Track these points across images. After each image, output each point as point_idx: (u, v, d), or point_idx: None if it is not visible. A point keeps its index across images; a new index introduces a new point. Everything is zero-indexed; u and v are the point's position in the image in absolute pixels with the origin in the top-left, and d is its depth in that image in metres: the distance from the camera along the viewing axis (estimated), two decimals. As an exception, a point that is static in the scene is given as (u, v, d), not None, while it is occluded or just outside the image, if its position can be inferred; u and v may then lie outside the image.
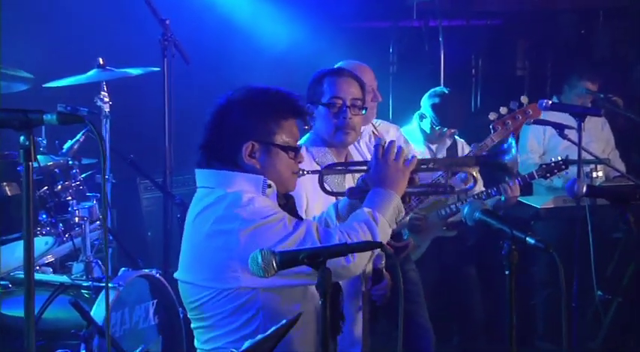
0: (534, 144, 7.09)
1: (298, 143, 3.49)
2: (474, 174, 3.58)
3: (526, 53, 9.87)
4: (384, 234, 3.29)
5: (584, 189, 4.00)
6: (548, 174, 5.67)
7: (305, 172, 3.52)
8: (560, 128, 5.44)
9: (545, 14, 9.29)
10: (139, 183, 6.96)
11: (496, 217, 3.10)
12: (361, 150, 4.87)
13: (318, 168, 4.12)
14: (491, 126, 5.26)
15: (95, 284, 4.66)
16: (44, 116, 2.59)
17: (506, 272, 2.98)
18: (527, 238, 2.95)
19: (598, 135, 7.09)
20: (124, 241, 5.82)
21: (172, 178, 5.86)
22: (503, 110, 5.20)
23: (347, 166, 4.00)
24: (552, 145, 6.99)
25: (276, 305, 3.24)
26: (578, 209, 5.41)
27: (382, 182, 3.41)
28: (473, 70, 9.54)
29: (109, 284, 4.60)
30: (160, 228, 6.08)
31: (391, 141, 3.51)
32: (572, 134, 5.33)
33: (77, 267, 4.78)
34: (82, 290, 4.67)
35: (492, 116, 5.21)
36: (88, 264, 4.79)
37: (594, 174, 6.55)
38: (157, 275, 4.94)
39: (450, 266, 6.35)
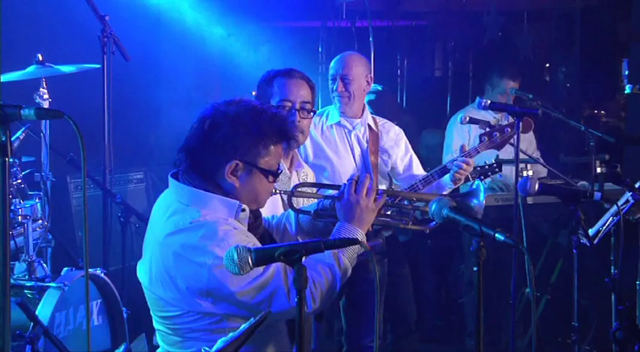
0: (459, 143, 7.14)
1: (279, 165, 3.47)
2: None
3: (450, 54, 10.01)
4: (345, 274, 3.36)
5: (537, 187, 4.07)
6: (482, 176, 5.75)
7: (278, 191, 3.58)
8: (490, 127, 5.52)
9: (470, 16, 9.43)
10: (69, 181, 6.83)
11: (464, 214, 3.13)
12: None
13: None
14: (478, 136, 5.34)
15: (39, 284, 4.58)
16: (22, 111, 2.53)
17: (474, 269, 3.00)
18: (497, 234, 2.98)
19: (522, 136, 7.20)
20: (61, 240, 5.73)
21: (111, 176, 5.77)
22: (493, 121, 5.26)
23: (318, 188, 3.97)
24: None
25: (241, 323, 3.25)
26: (513, 208, 5.50)
27: (351, 218, 3.49)
28: (398, 70, 9.64)
29: (53, 284, 4.54)
30: (95, 227, 5.98)
31: (364, 177, 3.57)
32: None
33: (19, 267, 4.67)
34: (26, 291, 4.58)
35: (481, 127, 5.28)
36: (31, 263, 4.69)
37: (524, 174, 6.66)
38: (102, 275, 4.86)
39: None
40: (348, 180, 3.59)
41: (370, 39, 7.85)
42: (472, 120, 5.65)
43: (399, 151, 5.64)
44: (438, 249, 7.62)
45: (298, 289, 2.79)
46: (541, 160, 6.91)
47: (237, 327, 3.08)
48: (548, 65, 9.67)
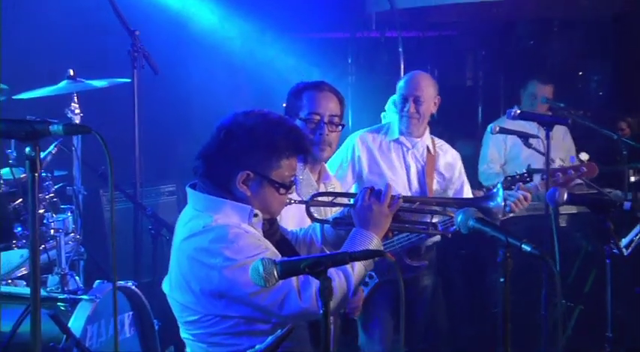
0: (495, 153, 7.17)
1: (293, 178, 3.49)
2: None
3: (480, 64, 9.98)
4: (358, 279, 3.38)
5: (565, 196, 4.05)
6: (513, 186, 5.74)
7: (292, 201, 3.60)
8: (525, 137, 5.51)
9: (501, 24, 9.39)
10: (101, 195, 6.91)
11: (490, 225, 3.13)
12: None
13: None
14: (540, 175, 5.34)
15: (71, 296, 4.61)
16: (50, 127, 2.58)
17: (501, 280, 3.00)
18: (523, 245, 2.98)
19: (560, 144, 7.19)
20: (94, 253, 5.78)
21: (142, 190, 5.82)
22: (557, 162, 5.25)
23: (333, 198, 4.00)
24: (514, 155, 7.09)
25: (260, 326, 3.30)
26: (544, 217, 5.49)
27: (365, 224, 3.51)
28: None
29: (85, 297, 4.57)
30: (126, 240, 6.03)
31: (383, 186, 3.59)
32: (535, 143, 5.40)
33: (52, 280, 4.71)
34: (58, 303, 4.61)
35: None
36: (63, 276, 4.73)
37: (558, 183, 6.62)
38: (133, 287, 4.90)
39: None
40: (362, 188, 3.61)
41: (400, 49, 7.86)
42: (502, 131, 5.64)
43: (453, 175, 5.65)
44: (472, 258, 7.59)
45: (324, 301, 2.80)
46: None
47: (255, 331, 3.23)
48: (580, 73, 9.62)
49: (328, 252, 3.44)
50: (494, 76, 9.74)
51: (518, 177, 5.59)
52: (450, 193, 5.65)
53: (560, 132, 7.20)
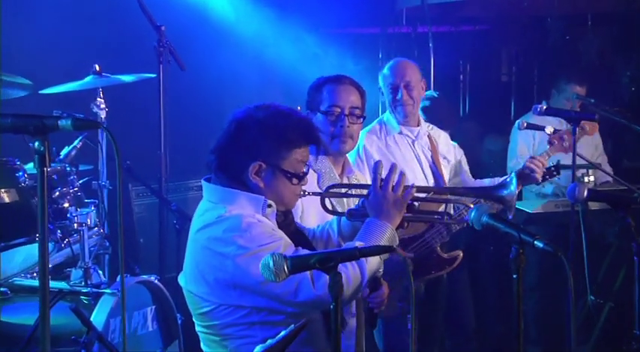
0: (524, 148, 7.10)
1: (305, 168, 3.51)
2: (470, 205, 3.64)
3: (513, 58, 9.90)
4: (372, 270, 3.37)
5: (586, 193, 4.01)
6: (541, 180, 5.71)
7: (307, 193, 3.59)
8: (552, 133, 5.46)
9: (533, 20, 9.31)
10: (130, 189, 6.96)
11: (504, 221, 3.11)
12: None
13: (316, 175, 4.21)
14: (547, 141, 5.29)
15: (94, 290, 4.65)
16: (59, 122, 2.60)
17: (514, 276, 2.98)
18: (536, 241, 2.95)
19: (588, 140, 7.12)
20: (117, 247, 5.82)
21: (168, 185, 5.85)
22: (548, 129, 5.22)
23: (348, 189, 4.01)
24: (542, 149, 6.99)
25: (274, 317, 3.31)
26: (570, 214, 5.45)
27: (378, 213, 3.50)
28: (461, 76, 9.56)
29: (108, 290, 4.61)
30: (153, 234, 6.08)
31: (390, 171, 3.56)
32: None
33: (76, 274, 4.75)
34: (82, 297, 4.66)
35: (549, 130, 5.23)
36: (87, 270, 4.77)
37: (586, 179, 6.58)
38: (156, 281, 4.92)
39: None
40: (373, 176, 3.59)
41: (430, 45, 7.84)
42: (530, 126, 5.59)
43: (452, 155, 5.63)
44: (500, 255, 7.53)
45: (334, 296, 2.79)
46: (603, 166, 6.81)
47: (269, 322, 3.24)
48: (612, 69, 9.50)
49: (337, 248, 3.42)
50: (527, 71, 9.64)
51: (545, 170, 5.56)
52: (452, 173, 5.66)
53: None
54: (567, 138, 5.21)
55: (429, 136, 5.52)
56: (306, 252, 3.25)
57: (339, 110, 4.36)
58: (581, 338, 6.78)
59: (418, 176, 5.40)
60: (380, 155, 5.36)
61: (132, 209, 7.01)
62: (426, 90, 5.73)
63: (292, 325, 2.99)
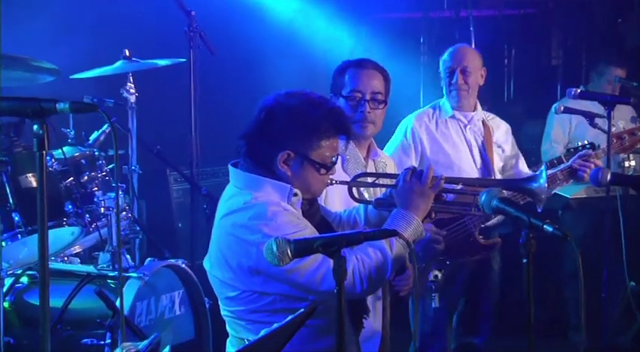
0: (559, 133, 6.99)
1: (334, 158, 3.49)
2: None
3: (560, 42, 9.75)
4: (398, 259, 3.35)
5: (609, 176, 3.94)
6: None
7: (334, 182, 3.58)
8: (590, 117, 5.38)
9: (579, 3, 9.17)
10: (169, 174, 7.00)
11: (514, 205, 3.08)
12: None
13: (341, 158, 4.19)
14: (597, 133, 5.27)
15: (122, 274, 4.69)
16: (57, 105, 2.61)
17: (524, 261, 2.94)
18: (545, 226, 2.92)
19: (628, 125, 6.99)
20: (153, 232, 5.86)
21: (199, 170, 5.87)
22: (621, 123, 5.17)
23: (375, 178, 3.99)
24: (578, 134, 6.88)
25: (298, 304, 3.29)
26: (609, 199, 5.36)
27: (406, 204, 3.48)
28: (505, 60, 9.44)
29: (134, 274, 4.63)
30: (189, 219, 6.12)
31: (425, 167, 3.57)
32: (601, 123, 5.28)
33: (103, 257, 4.78)
34: (109, 281, 4.69)
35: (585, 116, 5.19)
36: (114, 254, 4.80)
37: (626, 164, 6.46)
38: (183, 265, 4.95)
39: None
40: (404, 169, 3.58)
41: (471, 29, 7.77)
42: (567, 110, 5.53)
43: (509, 146, 5.59)
44: (540, 241, 7.42)
45: (337, 281, 2.78)
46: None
47: (293, 309, 3.14)
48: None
49: (342, 232, 3.40)
50: (574, 56, 9.50)
51: (581, 148, 5.49)
52: (508, 166, 5.59)
53: (627, 114, 6.99)
54: (628, 138, 5.13)
55: (483, 123, 5.48)
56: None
57: (360, 95, 4.32)
58: (621, 326, 6.68)
59: (466, 160, 5.41)
60: (428, 137, 5.40)
61: (170, 194, 7.05)
62: None
63: (301, 310, 2.98)
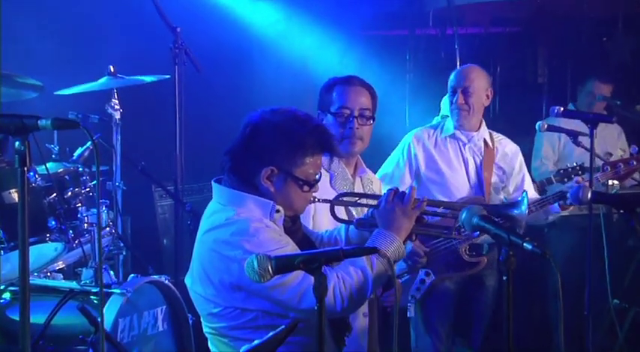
0: (549, 150, 7.05)
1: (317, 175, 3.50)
2: None
3: (545, 60, 9.80)
4: (379, 278, 3.36)
5: (589, 195, 3.97)
6: (565, 179, 5.66)
7: (317, 200, 3.60)
8: (573, 135, 5.42)
9: (564, 21, 9.22)
10: (154, 190, 7.01)
11: (493, 223, 3.09)
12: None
13: (329, 175, 4.21)
14: (601, 165, 5.27)
15: (104, 290, 4.67)
16: (39, 121, 2.61)
17: (504, 278, 2.95)
18: (525, 244, 2.93)
19: (614, 143, 7.03)
20: (138, 248, 5.85)
21: (183, 186, 5.88)
22: (619, 152, 5.20)
23: (358, 198, 4.00)
24: (567, 152, 6.94)
25: (280, 321, 3.28)
26: (592, 217, 5.37)
27: (388, 224, 3.49)
28: (491, 78, 9.44)
29: (117, 290, 4.62)
30: (174, 235, 6.12)
31: (407, 188, 3.58)
32: (586, 141, 5.30)
33: (86, 273, 4.75)
34: (91, 296, 4.67)
35: (606, 157, 5.22)
36: (97, 270, 4.78)
37: (610, 182, 6.48)
38: (166, 281, 4.94)
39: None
40: (387, 190, 3.59)
41: (456, 46, 7.79)
42: (550, 128, 5.57)
43: (513, 169, 5.60)
44: (526, 260, 7.43)
45: (318, 297, 2.78)
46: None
47: (275, 325, 3.16)
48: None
49: (322, 249, 3.41)
50: (559, 73, 9.54)
51: (570, 169, 5.53)
52: (511, 188, 5.61)
53: (614, 132, 7.03)
54: (623, 167, 5.16)
55: (485, 143, 5.49)
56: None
57: (348, 112, 4.34)
58: (605, 343, 6.68)
59: (460, 178, 5.46)
60: (425, 154, 5.47)
61: (155, 210, 7.05)
62: None
63: (282, 326, 2.98)
